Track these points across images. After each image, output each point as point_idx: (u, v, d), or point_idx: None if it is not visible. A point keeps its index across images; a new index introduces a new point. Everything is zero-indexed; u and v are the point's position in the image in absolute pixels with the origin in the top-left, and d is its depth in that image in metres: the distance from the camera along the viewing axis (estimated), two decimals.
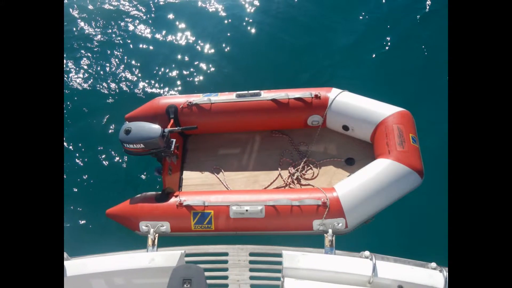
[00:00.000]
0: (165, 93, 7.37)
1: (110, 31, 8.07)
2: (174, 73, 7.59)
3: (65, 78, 7.55)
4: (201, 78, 7.53)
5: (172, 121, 5.68)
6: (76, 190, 6.49)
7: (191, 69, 7.61)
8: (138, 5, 8.32)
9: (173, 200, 5.16)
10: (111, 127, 7.03)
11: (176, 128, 5.44)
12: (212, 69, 7.61)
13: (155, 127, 4.97)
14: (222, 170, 5.80)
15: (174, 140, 5.24)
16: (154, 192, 5.41)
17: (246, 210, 4.94)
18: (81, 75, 7.60)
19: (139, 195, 5.39)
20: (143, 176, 6.54)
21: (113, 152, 6.79)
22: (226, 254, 4.80)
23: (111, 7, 8.32)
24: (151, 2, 8.35)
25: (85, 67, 7.69)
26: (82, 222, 6.23)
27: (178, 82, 7.50)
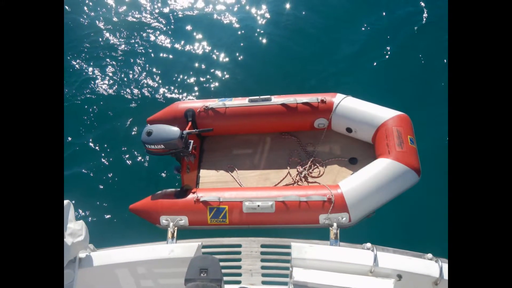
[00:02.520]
0: (184, 98, 7.42)
1: (133, 41, 8.13)
2: (192, 79, 7.64)
3: (91, 85, 7.63)
4: (217, 84, 7.57)
5: (190, 123, 5.71)
6: (102, 187, 6.56)
7: (208, 76, 7.65)
8: (159, 17, 8.38)
9: (191, 196, 5.19)
10: (134, 129, 7.09)
11: (194, 130, 5.48)
12: (227, 76, 7.65)
13: (175, 129, 5.02)
14: (236, 169, 5.82)
15: (192, 141, 5.27)
16: (173, 189, 5.44)
17: (258, 206, 4.96)
18: (106, 82, 7.67)
19: (159, 191, 5.42)
20: (163, 174, 6.59)
21: (135, 152, 6.85)
22: (239, 245, 4.83)
23: (134, 19, 8.39)
24: (170, 14, 8.41)
25: (110, 74, 7.76)
26: (107, 216, 6.30)
27: (196, 88, 7.55)
